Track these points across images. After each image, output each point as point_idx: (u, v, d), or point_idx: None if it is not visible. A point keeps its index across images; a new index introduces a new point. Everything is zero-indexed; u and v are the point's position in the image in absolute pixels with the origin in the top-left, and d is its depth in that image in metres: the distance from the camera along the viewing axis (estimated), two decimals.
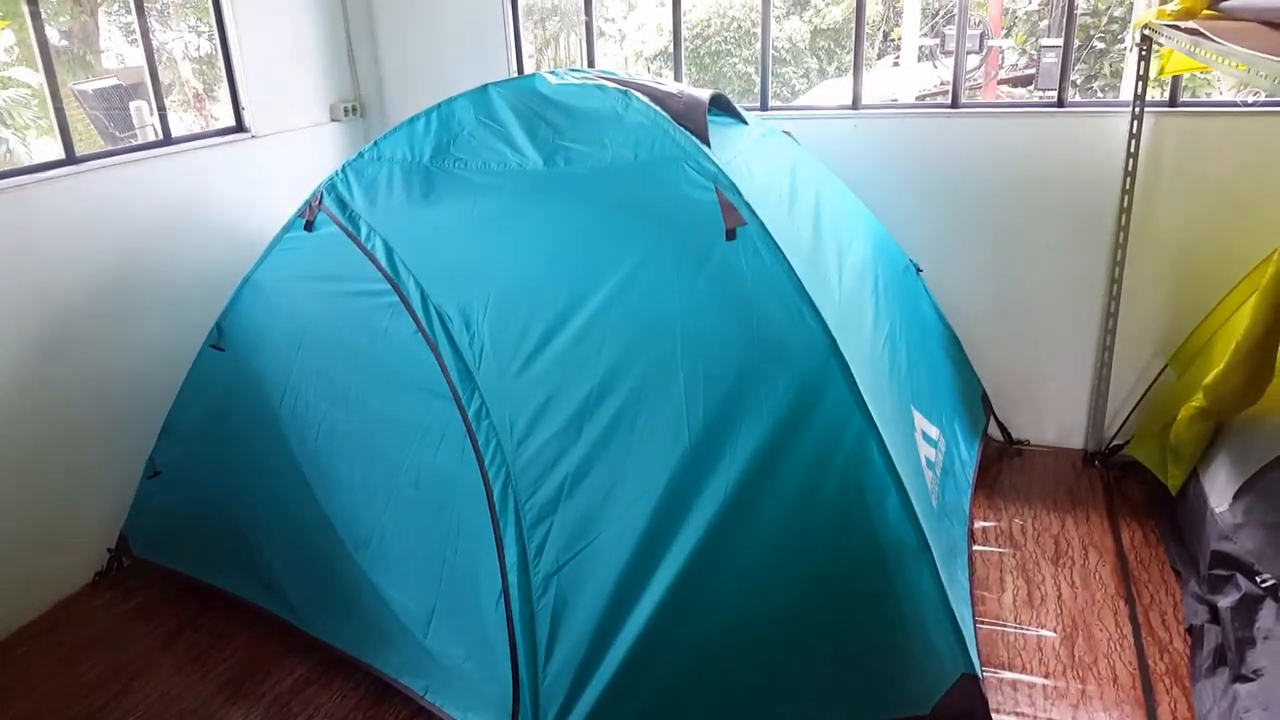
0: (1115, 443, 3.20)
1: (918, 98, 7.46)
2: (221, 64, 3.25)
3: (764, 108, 3.38)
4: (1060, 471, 3.19)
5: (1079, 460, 3.25)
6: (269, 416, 2.47)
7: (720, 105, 2.61)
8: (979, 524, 2.89)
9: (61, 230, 2.64)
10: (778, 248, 2.06)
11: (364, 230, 2.37)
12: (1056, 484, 3.11)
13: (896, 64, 8.94)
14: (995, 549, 2.76)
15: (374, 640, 2.29)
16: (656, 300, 2.08)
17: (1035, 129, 3.06)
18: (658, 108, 2.29)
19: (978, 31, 6.79)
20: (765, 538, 1.95)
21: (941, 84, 7.94)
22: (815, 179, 2.66)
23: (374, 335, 2.31)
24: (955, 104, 3.16)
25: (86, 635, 2.56)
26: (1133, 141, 2.87)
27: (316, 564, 2.38)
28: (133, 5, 2.97)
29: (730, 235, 2.09)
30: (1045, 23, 7.71)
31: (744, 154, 2.38)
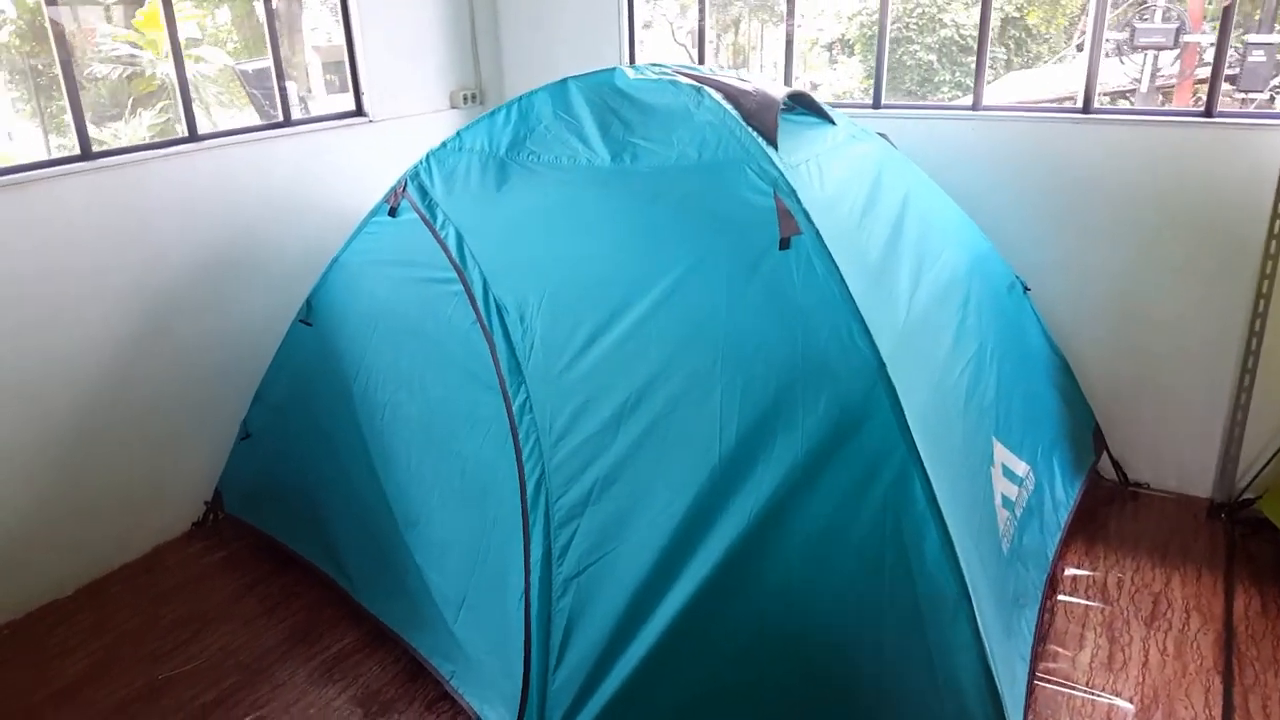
0: (1246, 495, 2.83)
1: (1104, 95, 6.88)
2: (345, 50, 3.38)
3: (876, 105, 3.18)
4: (1177, 521, 2.85)
5: (1202, 511, 2.89)
6: (344, 393, 2.55)
7: (804, 104, 2.47)
8: (1069, 572, 2.62)
9: (179, 205, 2.81)
10: (832, 260, 1.92)
11: (440, 218, 2.39)
12: (1170, 535, 2.78)
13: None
14: (1082, 601, 2.50)
15: (413, 619, 2.33)
16: (703, 308, 1.99)
17: (1177, 140, 2.72)
18: (729, 106, 2.19)
19: (1173, 25, 6.18)
20: (790, 566, 1.83)
21: (1133, 81, 7.30)
22: (906, 186, 2.47)
23: (439, 322, 2.33)
24: (1087, 109, 2.86)
25: (175, 580, 2.75)
26: None
27: (372, 538, 2.45)
28: None
29: (784, 244, 1.96)
30: (1259, 15, 6.92)
31: (819, 158, 2.24)
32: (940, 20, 9.05)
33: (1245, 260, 2.70)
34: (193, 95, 2.99)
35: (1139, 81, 7.11)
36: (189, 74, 2.93)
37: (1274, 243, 2.60)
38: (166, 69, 6.22)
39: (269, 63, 3.23)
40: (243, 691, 2.28)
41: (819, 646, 1.82)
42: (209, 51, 6.82)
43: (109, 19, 7.39)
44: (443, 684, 2.18)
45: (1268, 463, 2.79)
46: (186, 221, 2.83)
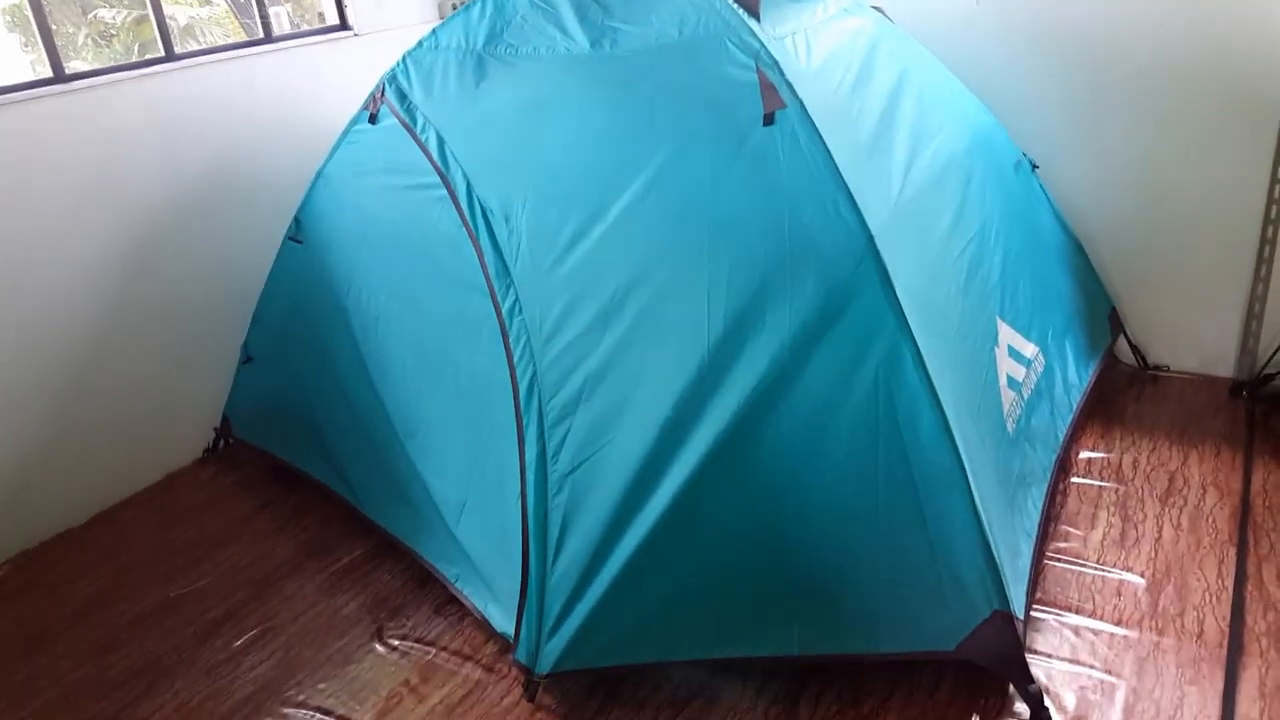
0: (1268, 371, 2.74)
1: None
2: None
3: None
4: (1198, 402, 2.77)
5: (1224, 391, 2.81)
6: (338, 308, 2.53)
7: None
8: (1084, 454, 2.57)
9: (163, 126, 2.77)
10: (818, 134, 1.83)
11: (420, 121, 2.32)
12: (1189, 416, 2.70)
13: None
14: (1095, 482, 2.45)
15: (418, 527, 2.34)
16: (688, 193, 1.92)
17: (1189, 4, 2.55)
18: None
19: None
20: (781, 449, 1.79)
21: None
22: (902, 62, 2.35)
23: (425, 229, 2.28)
24: None
25: (186, 504, 2.78)
26: None
27: (373, 451, 2.45)
28: None
29: (768, 120, 1.88)
30: None
31: (806, 31, 2.13)
32: None
33: (1263, 129, 2.56)
34: (198, 37, 2.91)
35: None
36: (194, 16, 2.85)
37: None
38: (168, 9, 6.16)
39: None
40: (252, 604, 2.32)
41: (814, 526, 1.80)
42: None
43: None
44: (448, 588, 2.19)
45: None
46: (168, 143, 2.79)
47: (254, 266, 2.84)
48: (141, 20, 6.76)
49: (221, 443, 3.04)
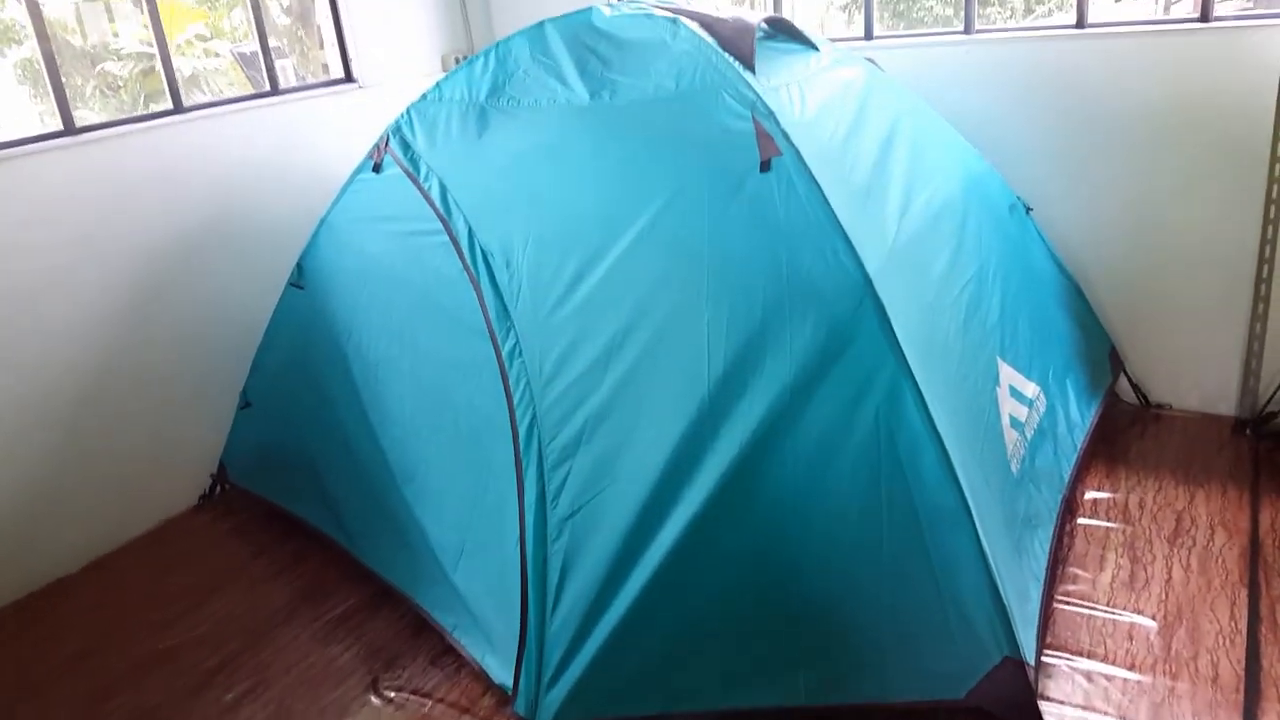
0: (1270, 409, 2.72)
1: None
2: (330, 14, 3.32)
3: (868, 37, 3.08)
4: (1201, 440, 2.75)
5: (1226, 428, 2.79)
6: (338, 352, 2.52)
7: (786, 31, 2.38)
8: (1089, 494, 2.54)
9: (169, 176, 2.79)
10: (814, 180, 1.85)
11: (423, 170, 2.34)
12: (1193, 454, 2.68)
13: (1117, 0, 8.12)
14: (1102, 523, 2.41)
15: (415, 574, 2.30)
16: (686, 237, 1.93)
17: (1175, 49, 2.60)
18: (706, 35, 2.11)
19: None
20: (783, 492, 1.77)
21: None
22: (895, 110, 2.38)
23: (426, 274, 2.29)
24: (1081, 24, 2.74)
25: (181, 551, 2.74)
26: None
27: (371, 495, 2.42)
28: None
29: (765, 166, 1.89)
30: None
31: (800, 82, 2.15)
32: None
33: (1254, 167, 2.58)
34: (204, 87, 2.95)
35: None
36: (199, 67, 2.90)
37: None
38: (179, 63, 6.29)
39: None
40: (245, 655, 2.27)
41: (818, 569, 1.77)
42: (219, 45, 6.85)
43: (110, 16, 7.44)
44: (445, 637, 2.15)
45: None
46: (174, 193, 2.81)
47: (255, 313, 2.84)
48: (147, 72, 6.90)
49: (218, 488, 3.01)
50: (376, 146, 2.49)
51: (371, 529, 2.45)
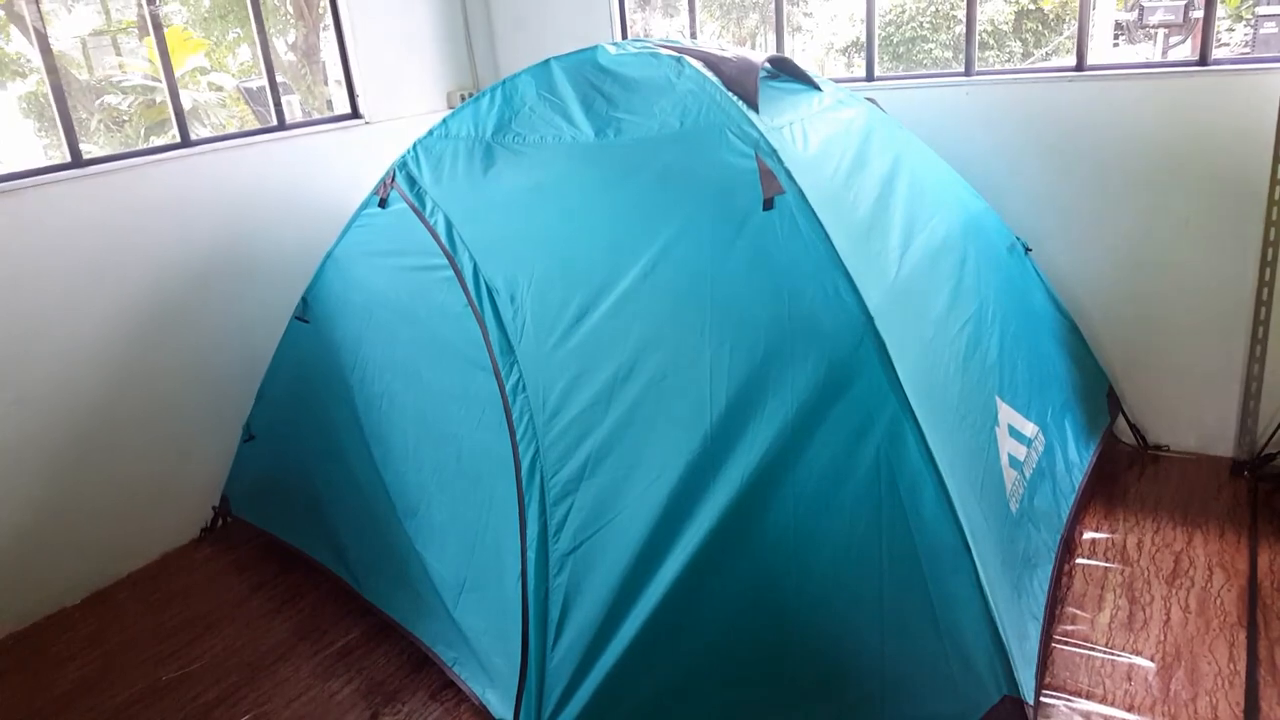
0: (1269, 451, 2.75)
1: None
2: (337, 52, 3.40)
3: (870, 78, 3.15)
4: (1199, 482, 2.77)
5: (1224, 470, 2.81)
6: (342, 386, 2.55)
7: (788, 71, 2.44)
8: (1088, 535, 2.56)
9: (176, 210, 2.84)
10: (816, 218, 1.89)
11: (429, 206, 2.39)
12: (1191, 495, 2.70)
13: (1116, 45, 8.27)
14: (1101, 563, 2.43)
15: (416, 608, 2.31)
16: (690, 274, 1.97)
17: (1173, 91, 2.66)
18: (710, 74, 2.17)
19: (1181, 2, 6.07)
20: (784, 529, 1.79)
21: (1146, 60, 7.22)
22: (895, 149, 2.43)
23: (431, 309, 2.32)
24: (1080, 67, 2.81)
25: (182, 585, 2.75)
26: None
27: (373, 530, 2.44)
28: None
29: (768, 205, 1.93)
30: None
31: (802, 121, 2.21)
32: (954, 17, 8.99)
33: (1251, 208, 2.63)
34: (203, 119, 3.01)
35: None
36: (199, 99, 2.96)
37: (1278, 188, 2.53)
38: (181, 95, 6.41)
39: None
40: (244, 689, 2.27)
41: (818, 607, 1.78)
42: (221, 78, 6.96)
43: (117, 51, 7.55)
44: (445, 672, 2.16)
45: None
46: (181, 227, 2.85)
47: (260, 346, 2.87)
48: (149, 105, 7.00)
49: (220, 521, 3.02)
50: (383, 182, 2.54)
51: (373, 563, 2.46)
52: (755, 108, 2.09)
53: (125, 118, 7.75)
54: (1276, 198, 2.54)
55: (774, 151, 1.97)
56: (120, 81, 7.15)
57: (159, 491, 2.88)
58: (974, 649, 1.71)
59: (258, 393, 2.86)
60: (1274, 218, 2.56)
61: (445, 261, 2.29)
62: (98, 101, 7.65)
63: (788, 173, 1.94)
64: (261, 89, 4.96)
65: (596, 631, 1.83)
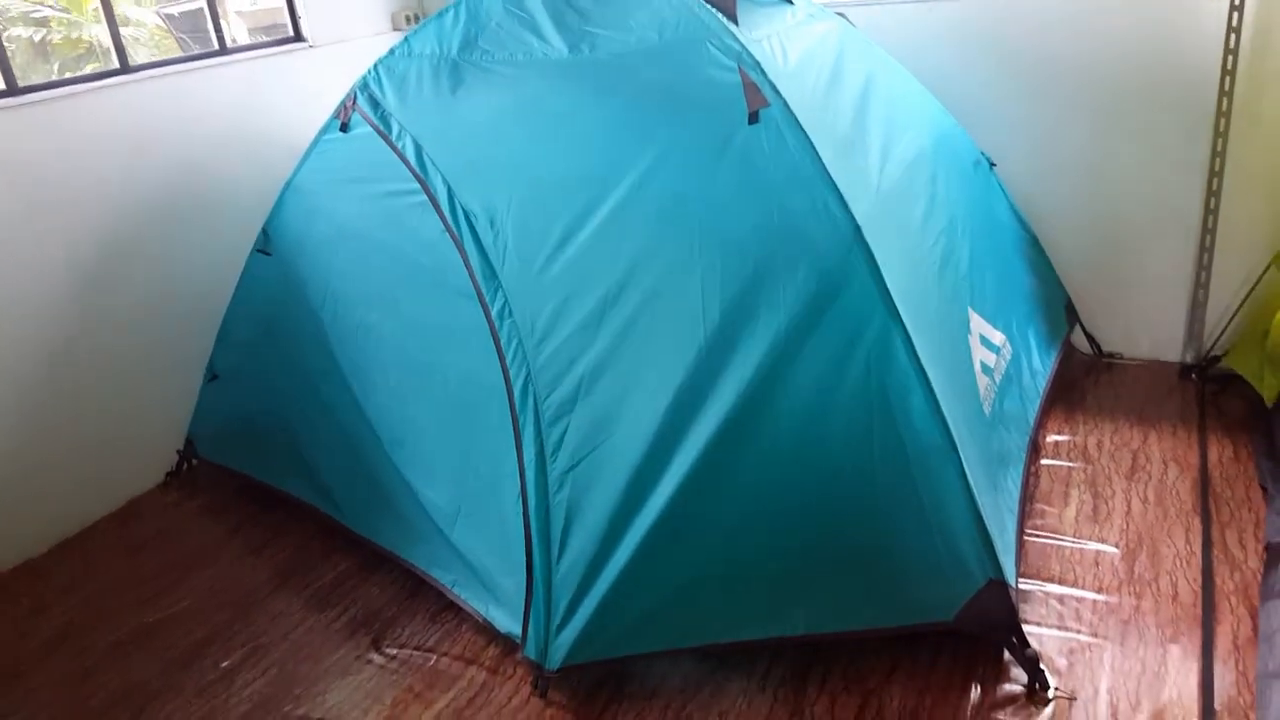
0: (1215, 353, 2.98)
1: None
2: None
3: None
4: (1151, 386, 3.00)
5: (1175, 374, 3.04)
6: (312, 319, 2.57)
7: None
8: (1051, 438, 2.76)
9: (118, 138, 2.78)
10: (803, 131, 1.97)
11: (395, 129, 2.39)
12: (1145, 399, 2.92)
13: None
14: (1064, 463, 2.63)
15: (408, 536, 2.39)
16: (677, 191, 2.04)
17: (1130, 6, 2.79)
18: None
19: None
20: (780, 436, 1.91)
21: None
22: (868, 64, 2.52)
23: (406, 236, 2.35)
24: None
25: (152, 531, 2.78)
26: (1234, 13, 2.59)
27: (358, 463, 2.49)
28: None
29: (753, 118, 2.01)
30: None
31: (780, 35, 2.27)
32: None
33: (1200, 118, 2.80)
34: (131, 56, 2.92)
35: None
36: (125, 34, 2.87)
37: (1224, 100, 2.71)
38: (96, 30, 6.11)
39: (200, 4, 3.17)
40: (236, 625, 2.34)
41: (815, 511, 1.92)
42: (140, 14, 6.65)
43: None
44: (445, 593, 2.25)
45: (1231, 318, 2.93)
46: (124, 155, 2.80)
47: (219, 281, 2.85)
48: (67, 39, 6.65)
49: (185, 465, 3.03)
50: (343, 104, 2.53)
51: (359, 496, 2.52)
52: (734, 20, 2.15)
53: (50, 49, 7.36)
54: (1223, 109, 2.72)
55: (757, 64, 2.03)
56: (31, 14, 6.78)
57: (119, 436, 2.88)
58: (961, 539, 1.86)
59: (220, 331, 2.85)
60: (1221, 129, 2.74)
61: (417, 187, 2.30)
62: (5, 34, 7.23)
63: (772, 85, 2.01)
64: (184, 14, 4.80)
65: (601, 541, 1.94)
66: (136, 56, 5.53)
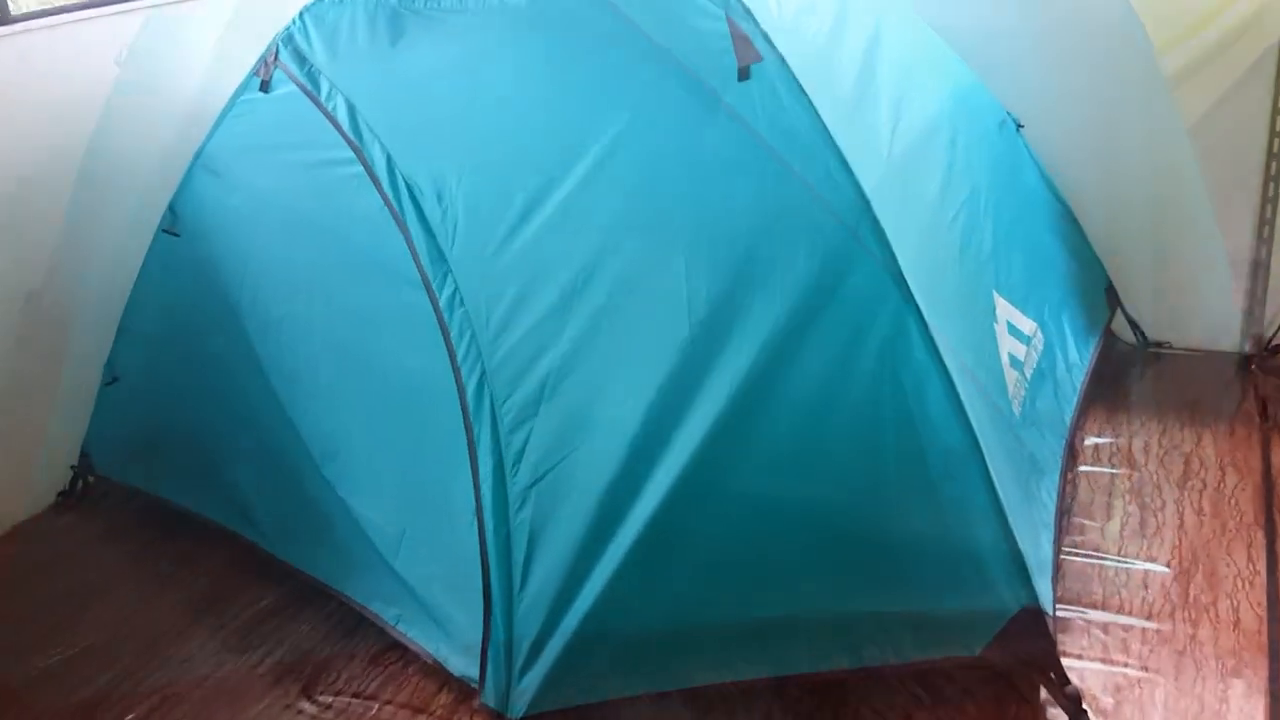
0: (1277, 342, 3.00)
1: None
2: None
3: None
4: (1205, 379, 3.03)
5: (1231, 365, 3.07)
6: (228, 310, 2.54)
7: None
8: (1090, 440, 2.77)
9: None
10: (801, 89, 1.96)
11: (325, 88, 2.37)
12: (1198, 394, 2.95)
13: None
14: (1106, 470, 2.65)
15: (344, 564, 2.37)
16: (656, 159, 2.03)
17: None
18: None
19: None
20: (779, 441, 1.90)
21: None
22: (876, 12, 2.52)
23: (337, 213, 2.33)
24: None
25: (42, 560, 2.75)
26: None
27: (284, 479, 2.46)
28: None
29: (743, 75, 2.00)
30: None
31: None
32: None
33: (1259, 80, 2.82)
34: None
35: None
36: None
37: None
38: None
39: None
40: (143, 671, 2.30)
41: (820, 525, 1.91)
42: None
43: None
44: (388, 631, 2.23)
45: None
46: (6, 125, 2.74)
47: (117, 268, 2.82)
48: None
49: (80, 483, 2.99)
50: (263, 60, 2.51)
51: (285, 517, 2.50)
52: None
53: None
54: None
55: (748, 12, 2.02)
56: None
57: (2, 453, 2.83)
58: (989, 559, 1.86)
59: (120, 325, 2.82)
60: None
61: (351, 155, 2.29)
62: None
63: (765, 37, 2.00)
64: None
65: (570, 568, 1.92)
66: (21, 4, 5.43)
